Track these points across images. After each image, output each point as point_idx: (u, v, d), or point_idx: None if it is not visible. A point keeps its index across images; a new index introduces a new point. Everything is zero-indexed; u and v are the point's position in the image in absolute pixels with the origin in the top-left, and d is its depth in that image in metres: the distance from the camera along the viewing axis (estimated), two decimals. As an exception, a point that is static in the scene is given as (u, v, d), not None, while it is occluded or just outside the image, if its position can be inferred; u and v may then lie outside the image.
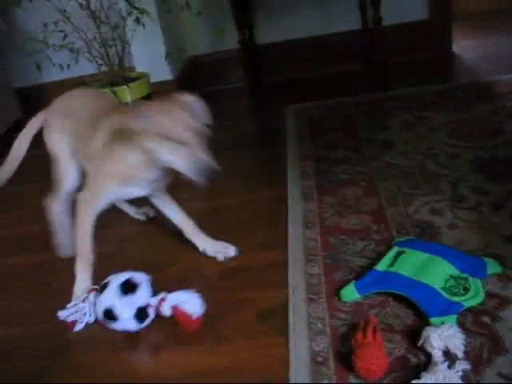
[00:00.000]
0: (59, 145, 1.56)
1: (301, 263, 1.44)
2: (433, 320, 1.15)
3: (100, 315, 1.32)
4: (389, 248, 1.40)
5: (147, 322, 1.32)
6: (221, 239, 1.58)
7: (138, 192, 1.45)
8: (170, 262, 1.58)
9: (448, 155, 1.82)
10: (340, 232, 1.54)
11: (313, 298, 1.31)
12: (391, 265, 1.33)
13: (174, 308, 1.30)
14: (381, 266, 1.33)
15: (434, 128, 2.04)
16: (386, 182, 1.74)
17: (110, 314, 1.29)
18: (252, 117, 2.65)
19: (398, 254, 1.35)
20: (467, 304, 1.19)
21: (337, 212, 1.64)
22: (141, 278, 1.34)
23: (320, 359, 1.14)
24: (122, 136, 1.33)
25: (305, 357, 1.15)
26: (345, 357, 1.11)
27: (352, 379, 1.07)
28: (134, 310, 1.29)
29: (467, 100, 2.23)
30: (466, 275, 1.26)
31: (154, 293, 1.33)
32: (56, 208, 1.64)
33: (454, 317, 1.15)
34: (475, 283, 1.24)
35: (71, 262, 1.46)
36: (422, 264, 1.30)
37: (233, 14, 2.60)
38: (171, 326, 1.30)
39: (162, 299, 1.31)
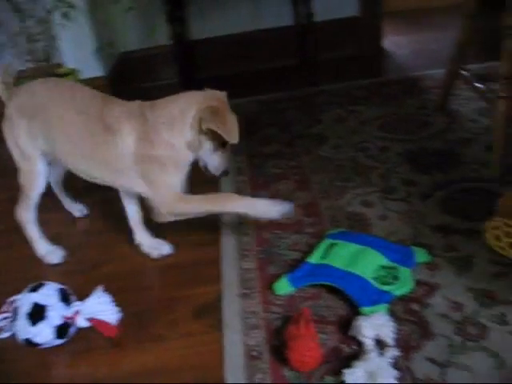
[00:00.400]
0: (30, 144, 1.43)
1: (235, 259, 1.44)
2: (364, 309, 1.17)
3: (22, 342, 1.23)
4: (321, 240, 1.41)
5: (72, 331, 1.25)
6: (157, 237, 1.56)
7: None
8: (106, 260, 1.54)
9: (378, 148, 1.86)
10: (273, 226, 1.53)
11: (247, 292, 1.31)
12: (323, 257, 1.34)
13: (91, 319, 1.25)
14: (313, 259, 1.34)
15: (364, 122, 2.07)
16: (319, 176, 1.75)
17: (30, 343, 1.22)
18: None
19: (330, 246, 1.37)
20: (397, 293, 1.22)
21: (270, 206, 1.64)
22: (46, 294, 1.23)
23: (254, 353, 1.13)
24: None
25: (239, 352, 1.14)
26: (279, 350, 1.11)
27: (286, 372, 1.07)
28: (52, 332, 1.21)
29: (396, 94, 2.28)
30: (395, 265, 1.29)
31: (82, 296, 1.28)
32: (30, 217, 1.51)
33: (384, 306, 1.17)
34: (405, 272, 1.27)
35: None
36: (353, 255, 1.32)
37: (164, 9, 2.55)
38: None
39: (77, 313, 1.24)
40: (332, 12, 2.49)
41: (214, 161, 1.36)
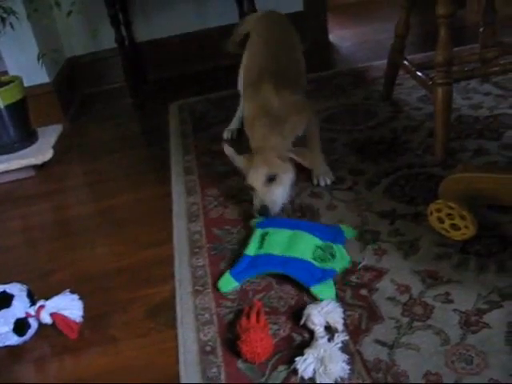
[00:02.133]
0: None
1: (186, 257, 1.43)
2: (313, 289, 1.20)
3: None
4: (251, 231, 1.43)
5: (30, 333, 1.24)
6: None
7: None
8: (54, 268, 1.52)
9: (326, 140, 1.88)
10: (224, 223, 1.54)
11: (199, 289, 1.31)
12: (260, 247, 1.36)
13: (54, 315, 1.24)
14: (250, 251, 1.36)
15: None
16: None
17: None
18: (135, 116, 2.60)
19: (263, 236, 1.39)
20: (338, 268, 1.27)
21: (220, 203, 1.64)
22: (15, 288, 1.27)
23: (208, 349, 1.13)
24: None
25: (193, 348, 1.14)
26: (232, 343, 1.11)
27: (240, 364, 1.08)
28: (11, 324, 1.21)
29: (344, 86, 2.32)
30: (329, 243, 1.33)
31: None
32: None
33: (331, 281, 1.23)
34: (339, 249, 1.32)
35: None
36: (288, 240, 1.35)
37: (108, 13, 2.53)
38: (57, 334, 1.24)
39: (41, 307, 1.24)
40: (277, 8, 2.49)
41: None
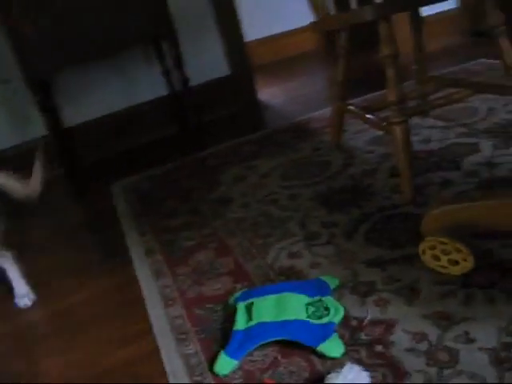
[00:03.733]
0: None
1: (173, 346, 1.29)
2: (320, 348, 1.12)
3: None
4: (229, 308, 1.34)
5: None
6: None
7: None
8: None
9: (287, 197, 1.83)
10: (204, 301, 1.42)
11: (198, 380, 1.17)
12: (248, 319, 1.25)
13: None
14: (240, 325, 1.24)
15: (265, 175, 2.05)
16: (236, 238, 1.67)
17: None
18: (75, 204, 2.45)
19: (248, 307, 1.28)
20: (336, 320, 1.19)
21: (194, 281, 1.52)
22: None
23: None
24: None
25: None
26: None
27: None
28: None
29: (287, 142, 2.30)
30: (318, 297, 1.25)
31: None
32: None
33: (336, 335, 1.15)
34: (330, 301, 1.25)
35: None
36: (275, 304, 1.25)
37: (36, 100, 2.41)
38: None
39: None
40: (205, 75, 2.49)
41: None
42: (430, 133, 1.97)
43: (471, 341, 1.07)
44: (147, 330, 1.39)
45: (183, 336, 1.32)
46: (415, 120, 2.08)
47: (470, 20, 3.01)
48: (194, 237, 1.75)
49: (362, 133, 2.13)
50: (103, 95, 2.63)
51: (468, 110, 2.11)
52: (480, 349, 1.05)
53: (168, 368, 1.23)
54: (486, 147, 1.78)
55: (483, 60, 2.63)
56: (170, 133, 2.60)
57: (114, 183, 2.37)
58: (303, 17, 3.67)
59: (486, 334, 1.08)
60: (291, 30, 3.64)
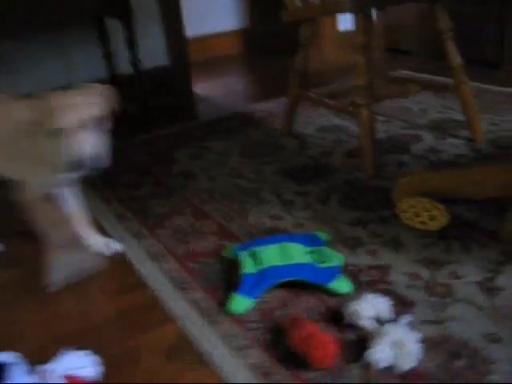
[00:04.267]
0: None
1: (177, 294, 1.33)
2: (331, 285, 1.25)
3: None
4: (227, 260, 1.43)
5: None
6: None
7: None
8: (22, 335, 1.27)
9: (252, 171, 1.92)
10: (197, 256, 1.47)
11: (213, 319, 1.22)
12: (256, 264, 1.33)
13: (68, 378, 1.05)
14: (249, 269, 1.32)
15: (222, 153, 2.12)
16: (211, 205, 1.74)
17: None
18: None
19: (253, 254, 1.37)
20: (338, 264, 1.32)
21: (180, 240, 1.56)
22: (4, 356, 1.06)
23: (264, 370, 1.06)
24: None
25: (246, 374, 1.06)
26: (289, 359, 1.07)
27: (307, 374, 1.03)
28: None
29: (236, 128, 2.38)
30: (316, 247, 1.38)
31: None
32: None
33: (342, 276, 1.28)
34: (326, 250, 1.38)
35: None
36: (280, 253, 1.36)
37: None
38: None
39: (47, 372, 1.04)
40: (144, 62, 2.49)
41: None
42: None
43: (460, 277, 1.26)
44: (141, 284, 1.40)
45: (184, 285, 1.36)
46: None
47: (387, 37, 3.36)
48: (164, 204, 1.78)
49: (310, 123, 2.30)
50: (42, 72, 2.53)
51: (403, 109, 2.37)
52: (469, 282, 1.23)
53: (177, 312, 1.27)
54: (428, 138, 2.03)
55: (402, 71, 2.95)
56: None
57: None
58: (229, 21, 3.86)
59: (471, 272, 1.27)
60: (219, 33, 3.77)
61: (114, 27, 2.57)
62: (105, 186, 1.96)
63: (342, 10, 1.69)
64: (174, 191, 1.87)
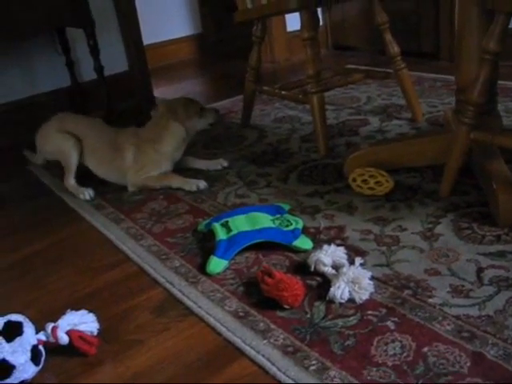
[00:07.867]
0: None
1: (159, 264, 1.49)
2: (295, 244, 1.44)
3: None
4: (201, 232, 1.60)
5: (42, 362, 1.17)
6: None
7: None
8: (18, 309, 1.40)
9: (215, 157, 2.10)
10: (173, 232, 1.63)
11: (194, 281, 1.39)
12: (228, 231, 1.50)
13: (71, 332, 1.20)
14: (222, 236, 1.49)
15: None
16: (183, 191, 1.89)
17: (6, 364, 1.09)
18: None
19: (224, 224, 1.54)
20: (300, 227, 1.50)
21: (156, 221, 1.72)
22: (17, 316, 1.19)
23: (241, 314, 1.23)
24: None
25: (227, 318, 1.23)
26: (261, 303, 1.25)
27: (281, 313, 1.21)
28: (29, 352, 1.12)
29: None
30: (279, 215, 1.56)
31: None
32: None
33: (304, 237, 1.47)
34: (289, 216, 1.56)
35: None
36: (247, 221, 1.53)
37: None
38: (71, 357, 1.20)
39: (54, 328, 1.19)
40: (106, 69, 2.61)
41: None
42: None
43: (404, 229, 1.46)
44: (124, 259, 1.56)
45: (164, 257, 1.52)
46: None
47: (333, 35, 3.60)
48: (138, 194, 1.93)
49: (266, 115, 2.49)
50: (3, 82, 2.63)
51: (352, 98, 2.59)
52: (412, 233, 1.44)
53: (161, 278, 1.43)
54: (374, 121, 2.25)
55: (348, 66, 3.18)
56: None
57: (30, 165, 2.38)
58: (184, 28, 4.03)
59: (413, 225, 1.47)
60: (175, 39, 3.95)
61: (74, 36, 2.71)
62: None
63: (287, 8, 1.88)
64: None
